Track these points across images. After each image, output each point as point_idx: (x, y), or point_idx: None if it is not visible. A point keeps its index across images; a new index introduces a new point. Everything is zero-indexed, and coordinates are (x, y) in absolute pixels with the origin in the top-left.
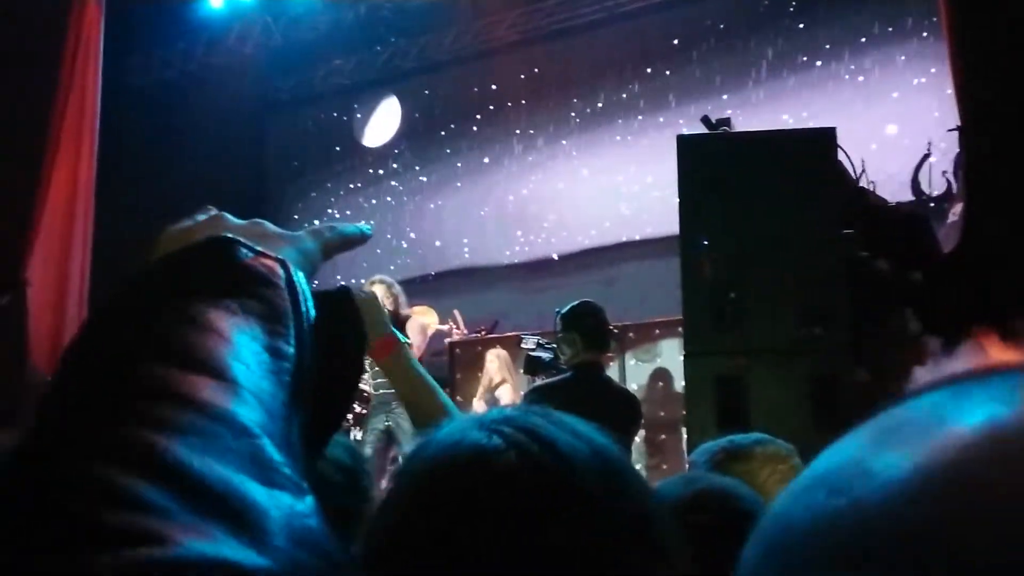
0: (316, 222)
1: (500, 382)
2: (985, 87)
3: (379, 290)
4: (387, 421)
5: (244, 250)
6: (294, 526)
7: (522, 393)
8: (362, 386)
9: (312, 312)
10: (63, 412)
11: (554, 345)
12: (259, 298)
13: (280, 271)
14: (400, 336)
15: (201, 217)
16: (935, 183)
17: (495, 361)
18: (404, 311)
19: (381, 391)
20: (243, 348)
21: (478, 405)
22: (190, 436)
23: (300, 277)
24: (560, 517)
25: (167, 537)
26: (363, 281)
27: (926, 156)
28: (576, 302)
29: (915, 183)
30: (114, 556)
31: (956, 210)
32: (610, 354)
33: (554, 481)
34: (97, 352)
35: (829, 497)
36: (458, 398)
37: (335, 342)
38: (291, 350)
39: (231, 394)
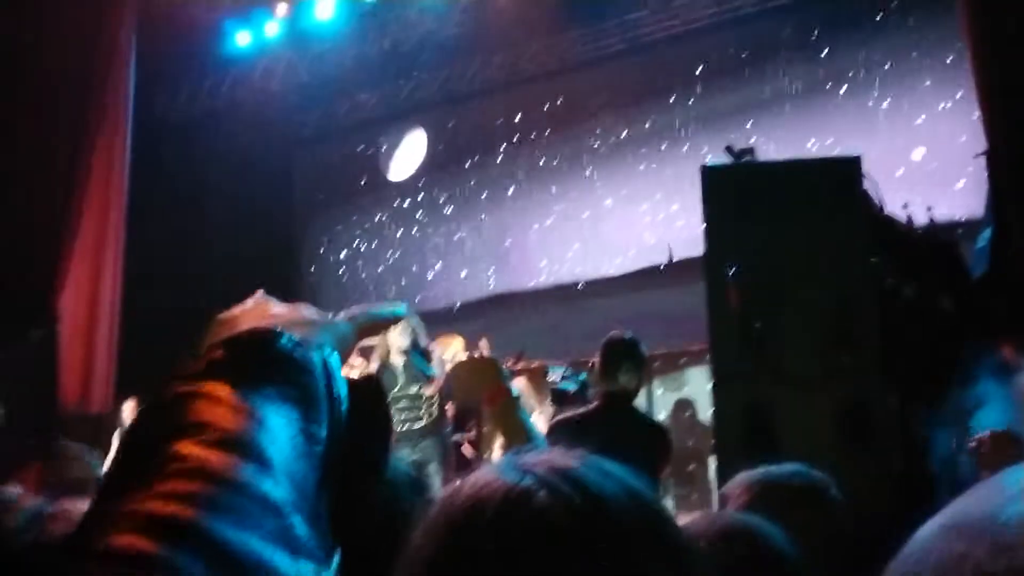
0: (343, 255)
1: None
2: (1012, 111)
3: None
4: (413, 455)
5: (284, 340)
6: None
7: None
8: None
9: (344, 396)
10: (102, 490)
11: (581, 376)
12: (296, 385)
13: (316, 359)
14: (513, 390)
15: (249, 303)
16: (963, 207)
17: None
18: (423, 342)
19: (404, 427)
20: (279, 432)
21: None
22: (222, 511)
23: (334, 363)
24: (593, 559)
25: None
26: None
27: None
28: (613, 331)
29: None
30: None
31: (985, 235)
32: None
33: (586, 522)
34: (141, 434)
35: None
36: (484, 430)
37: (364, 425)
38: (323, 433)
39: (264, 474)
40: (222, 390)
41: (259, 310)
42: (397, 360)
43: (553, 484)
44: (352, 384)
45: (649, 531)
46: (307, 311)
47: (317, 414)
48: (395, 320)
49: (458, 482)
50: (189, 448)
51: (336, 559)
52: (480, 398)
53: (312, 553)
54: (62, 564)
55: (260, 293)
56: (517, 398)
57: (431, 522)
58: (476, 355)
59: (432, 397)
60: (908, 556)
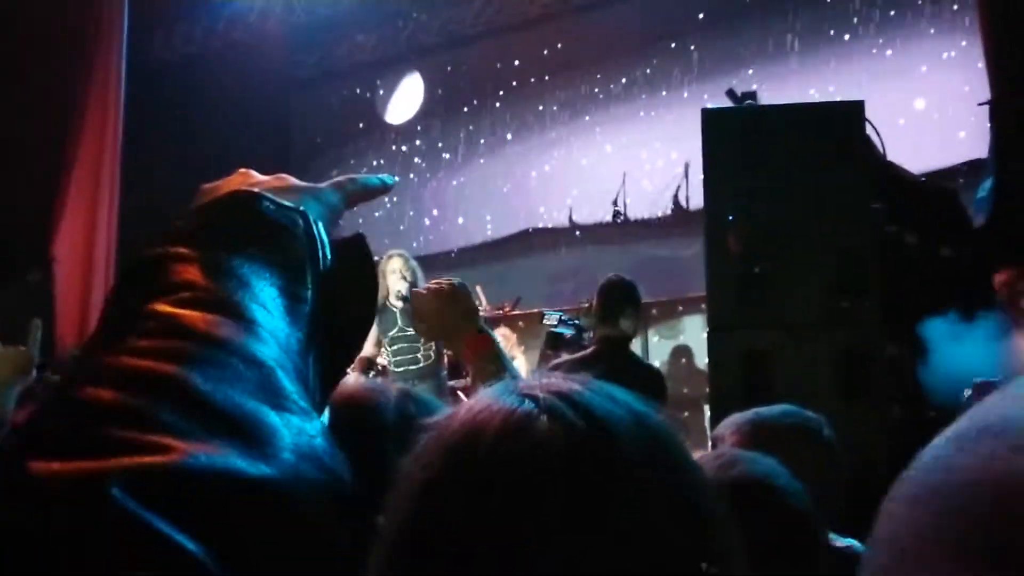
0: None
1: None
2: (1016, 61)
3: (397, 264)
4: None
5: (267, 202)
6: (301, 443)
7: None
8: (380, 360)
9: (329, 259)
10: (84, 349)
11: (577, 321)
12: (279, 246)
13: (300, 221)
14: (491, 333)
15: (233, 175)
16: (963, 156)
17: (502, 341)
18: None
19: (404, 367)
20: (261, 291)
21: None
22: (205, 366)
23: (319, 227)
24: (599, 488)
25: (175, 448)
26: (381, 257)
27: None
28: (611, 275)
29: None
30: (118, 462)
31: (986, 185)
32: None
33: (591, 448)
34: (115, 299)
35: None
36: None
37: (350, 285)
38: (308, 293)
39: (246, 331)
40: (200, 252)
41: (242, 178)
42: (396, 302)
43: (556, 408)
44: (337, 244)
45: (658, 458)
46: (292, 180)
47: (301, 275)
48: (385, 189)
49: (455, 408)
50: (164, 307)
51: (325, 416)
52: (456, 344)
53: (298, 406)
54: (37, 418)
55: (245, 169)
56: (494, 339)
57: (425, 448)
58: (447, 281)
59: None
60: (923, 469)
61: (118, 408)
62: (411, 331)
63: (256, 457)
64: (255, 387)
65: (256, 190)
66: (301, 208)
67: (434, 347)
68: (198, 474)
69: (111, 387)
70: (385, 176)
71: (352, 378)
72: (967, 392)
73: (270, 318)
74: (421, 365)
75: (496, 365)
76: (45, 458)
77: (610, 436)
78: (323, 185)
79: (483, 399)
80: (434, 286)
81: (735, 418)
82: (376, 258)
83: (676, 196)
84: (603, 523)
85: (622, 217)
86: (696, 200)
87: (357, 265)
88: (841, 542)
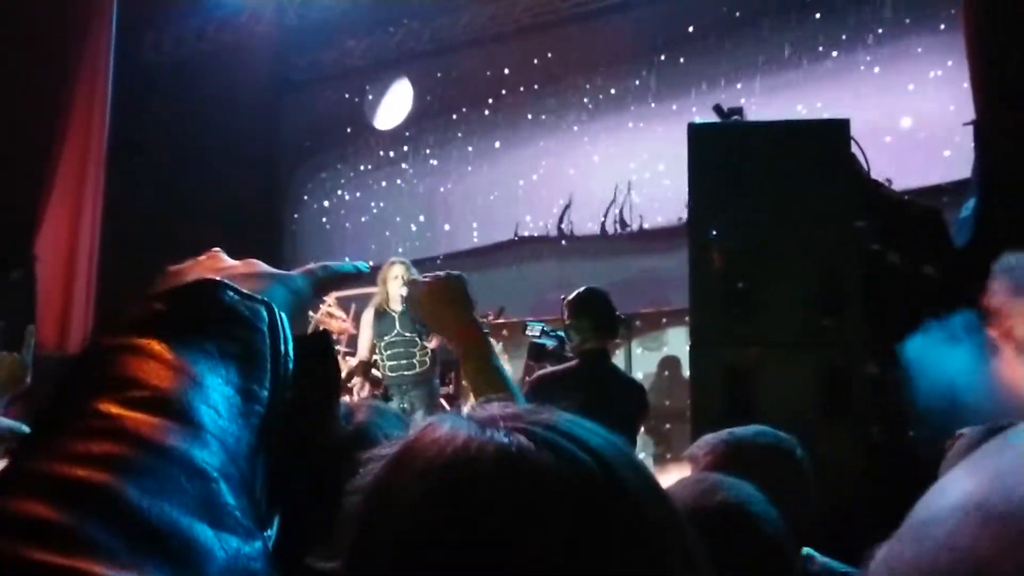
0: (326, 203)
1: None
2: (1002, 81)
3: (398, 270)
4: (402, 403)
5: (230, 292)
6: (236, 568)
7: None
8: (374, 372)
9: (290, 354)
10: (18, 451)
11: (559, 332)
12: (238, 341)
13: (264, 314)
14: (482, 329)
15: (202, 257)
16: (947, 175)
17: None
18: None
19: (398, 372)
20: (213, 391)
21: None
22: (142, 476)
23: (283, 320)
24: (605, 521)
25: (94, 574)
26: (370, 263)
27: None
28: (583, 288)
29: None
30: None
31: (969, 204)
32: (617, 341)
33: (597, 481)
34: (63, 390)
35: None
36: (464, 383)
37: (311, 382)
38: (264, 393)
39: (191, 437)
40: (155, 345)
41: (210, 263)
42: (396, 306)
43: (555, 443)
44: (299, 340)
45: (651, 492)
46: (261, 266)
47: (260, 372)
48: (358, 276)
49: (403, 444)
50: (110, 407)
51: (274, 528)
52: (449, 333)
53: (238, 524)
54: None
55: (216, 250)
56: (487, 335)
57: (397, 489)
58: (444, 273)
59: (428, 348)
60: (928, 539)
61: (44, 526)
62: (408, 335)
63: None
64: (195, 502)
65: (219, 279)
66: (265, 299)
67: (429, 353)
68: None
69: (40, 499)
70: (359, 263)
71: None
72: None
73: (220, 422)
74: (416, 371)
75: (482, 363)
76: None
77: (610, 468)
78: (294, 272)
79: (450, 432)
80: (431, 276)
81: (709, 438)
82: (373, 264)
83: (663, 208)
84: (607, 552)
85: (623, 226)
86: (683, 213)
87: (319, 362)
88: (821, 561)
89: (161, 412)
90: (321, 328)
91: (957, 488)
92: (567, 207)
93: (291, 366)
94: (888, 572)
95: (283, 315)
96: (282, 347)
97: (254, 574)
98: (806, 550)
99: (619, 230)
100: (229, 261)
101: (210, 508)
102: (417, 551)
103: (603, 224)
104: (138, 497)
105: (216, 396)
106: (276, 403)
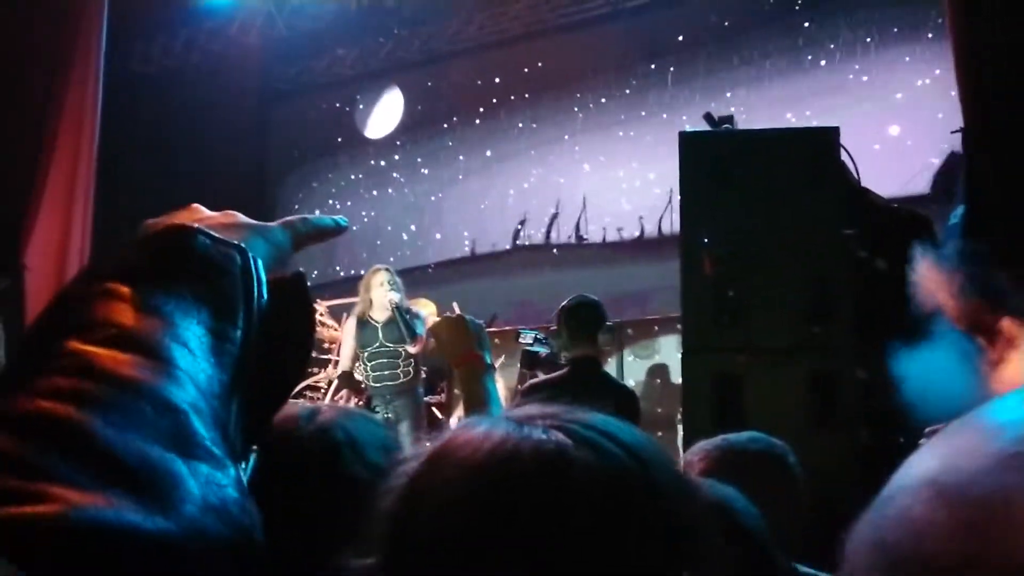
0: (317, 211)
1: None
2: (989, 89)
3: (382, 277)
4: (387, 413)
5: (202, 238)
6: (208, 494)
7: (518, 388)
8: (357, 376)
9: (264, 297)
10: None
11: (552, 340)
12: (211, 284)
13: (237, 258)
14: (488, 359)
15: (181, 211)
16: (936, 185)
17: None
18: (404, 303)
19: (382, 383)
20: (185, 330)
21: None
22: (109, 410)
23: (257, 264)
24: (640, 517)
25: (59, 498)
26: (362, 271)
27: None
28: (574, 296)
29: None
30: None
31: (957, 212)
32: (607, 348)
33: (632, 478)
34: (33, 334)
35: None
36: (455, 391)
37: (286, 325)
38: (237, 333)
39: (161, 373)
40: (124, 288)
41: (188, 214)
42: (378, 316)
43: (592, 440)
44: (274, 283)
45: (681, 486)
46: (240, 217)
47: (232, 315)
48: (338, 231)
49: (444, 440)
50: (79, 345)
51: (250, 464)
52: (454, 358)
53: (208, 454)
54: None
55: (196, 205)
56: (491, 367)
57: (433, 488)
58: (468, 317)
59: (411, 356)
60: (885, 513)
61: (4, 455)
62: (391, 346)
63: (154, 510)
64: (164, 434)
65: (193, 225)
66: (239, 244)
67: (413, 363)
68: (82, 527)
69: (4, 431)
70: (339, 217)
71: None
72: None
73: (191, 359)
74: (400, 381)
75: (480, 389)
76: None
77: (646, 465)
78: (273, 224)
79: (485, 429)
80: (451, 315)
81: (703, 444)
82: (365, 271)
83: (654, 217)
84: (647, 547)
85: (614, 234)
86: (673, 221)
87: (295, 305)
88: (805, 571)
89: (129, 348)
90: (296, 271)
91: (917, 465)
92: (557, 215)
93: (264, 307)
94: (853, 549)
95: (257, 259)
96: (255, 290)
97: (226, 500)
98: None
99: (609, 238)
100: (208, 212)
101: (180, 440)
102: (456, 548)
103: (593, 232)
104: (103, 429)
105: (187, 335)
106: (249, 346)
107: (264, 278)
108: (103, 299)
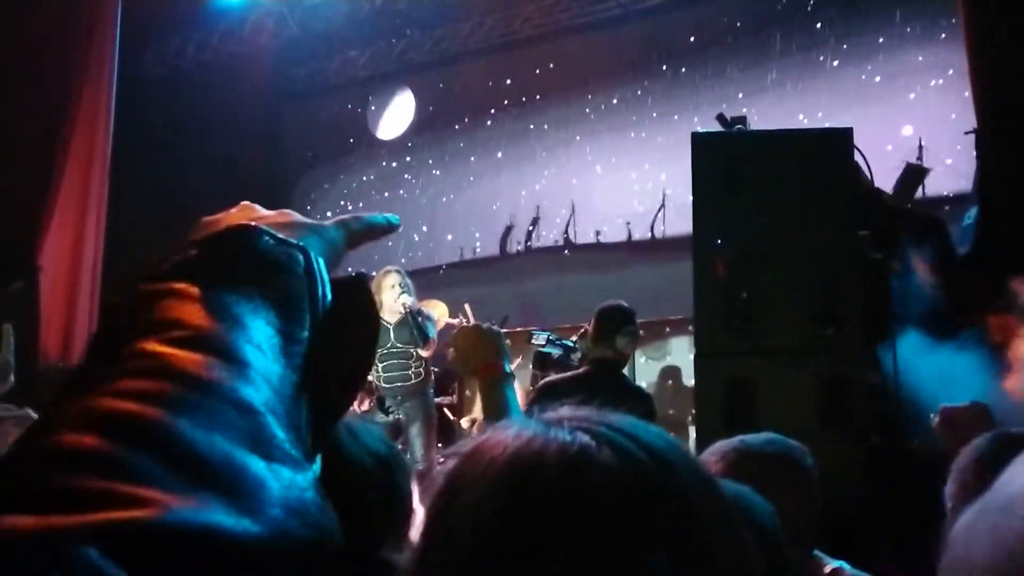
0: (329, 213)
1: None
2: (1003, 90)
3: (393, 279)
4: (398, 414)
5: (266, 238)
6: (291, 497)
7: (530, 388)
8: (368, 377)
9: (328, 298)
10: (62, 390)
11: (565, 342)
12: (277, 284)
13: (300, 258)
14: (507, 367)
15: (234, 209)
16: (949, 183)
17: None
18: (415, 305)
19: (393, 384)
20: (256, 331)
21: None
22: (192, 412)
23: (320, 264)
24: (660, 517)
25: (154, 501)
26: (374, 273)
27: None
28: (611, 301)
29: None
30: (90, 518)
31: (971, 213)
32: (627, 352)
33: (652, 479)
34: (103, 336)
35: None
36: (467, 393)
37: (349, 326)
38: (304, 334)
39: (238, 374)
40: (194, 288)
41: (244, 213)
42: (389, 317)
43: (615, 441)
44: (337, 283)
45: (704, 488)
46: (295, 216)
47: (299, 315)
48: (390, 229)
49: (475, 443)
50: (153, 346)
51: (317, 464)
52: (474, 368)
53: (287, 456)
54: (5, 463)
55: (248, 202)
56: (510, 375)
57: (466, 485)
58: (485, 325)
59: (422, 357)
60: (1012, 524)
61: (95, 456)
62: (402, 347)
63: (241, 512)
64: (244, 435)
65: (256, 225)
66: (302, 244)
67: (423, 365)
68: (178, 531)
69: (90, 432)
70: (390, 215)
71: None
72: (933, 417)
73: (264, 360)
74: (411, 382)
75: (499, 397)
76: (9, 511)
77: (668, 467)
78: (327, 222)
79: (519, 432)
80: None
81: (720, 445)
82: (370, 272)
83: (664, 217)
84: (670, 546)
85: (626, 236)
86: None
87: (358, 306)
88: (831, 564)
89: (205, 350)
90: (360, 272)
91: None
92: (570, 217)
93: (328, 308)
94: (966, 547)
95: (320, 259)
96: (319, 291)
97: (307, 502)
98: (836, 562)
99: (621, 240)
100: (263, 211)
101: (260, 442)
102: (485, 544)
103: (605, 233)
104: (190, 431)
105: (258, 336)
106: (315, 345)
107: (327, 278)
108: (172, 299)
